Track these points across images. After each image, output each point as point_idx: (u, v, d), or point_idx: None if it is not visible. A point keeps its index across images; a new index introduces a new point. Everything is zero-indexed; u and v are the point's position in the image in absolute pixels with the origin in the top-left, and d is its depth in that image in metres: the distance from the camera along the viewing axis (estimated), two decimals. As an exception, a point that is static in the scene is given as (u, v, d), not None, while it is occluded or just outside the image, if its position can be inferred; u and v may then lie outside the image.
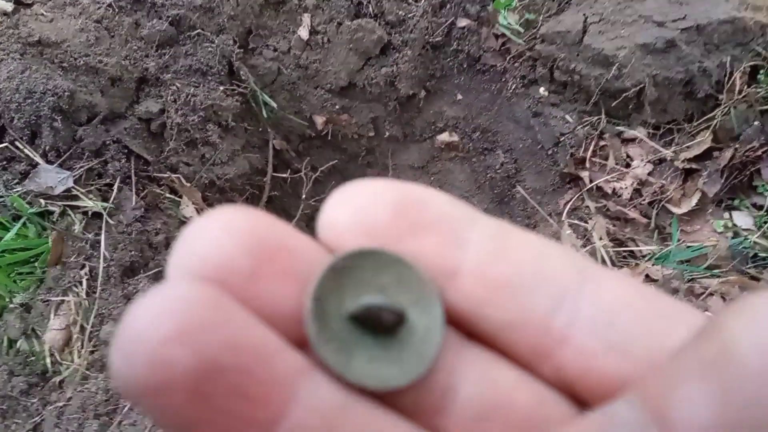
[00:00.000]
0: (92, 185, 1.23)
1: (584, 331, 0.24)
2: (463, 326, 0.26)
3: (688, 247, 1.39)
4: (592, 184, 1.51)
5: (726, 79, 1.37)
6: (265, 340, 0.22)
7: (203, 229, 0.23)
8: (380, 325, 0.25)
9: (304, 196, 1.65)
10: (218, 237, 0.22)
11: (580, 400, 0.24)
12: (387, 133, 1.69)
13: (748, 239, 1.36)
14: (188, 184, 1.34)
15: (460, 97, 1.69)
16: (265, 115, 1.53)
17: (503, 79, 1.65)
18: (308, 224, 1.64)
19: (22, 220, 1.16)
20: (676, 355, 0.19)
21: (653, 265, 1.36)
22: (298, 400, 0.22)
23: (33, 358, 1.06)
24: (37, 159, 1.21)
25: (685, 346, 0.19)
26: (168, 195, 1.31)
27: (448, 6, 1.61)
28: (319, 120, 1.61)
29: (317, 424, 0.22)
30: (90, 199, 1.20)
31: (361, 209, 0.25)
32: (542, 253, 0.25)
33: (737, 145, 1.35)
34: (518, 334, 0.25)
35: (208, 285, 0.21)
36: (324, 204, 0.25)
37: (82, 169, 1.22)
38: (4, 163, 1.20)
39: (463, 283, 0.25)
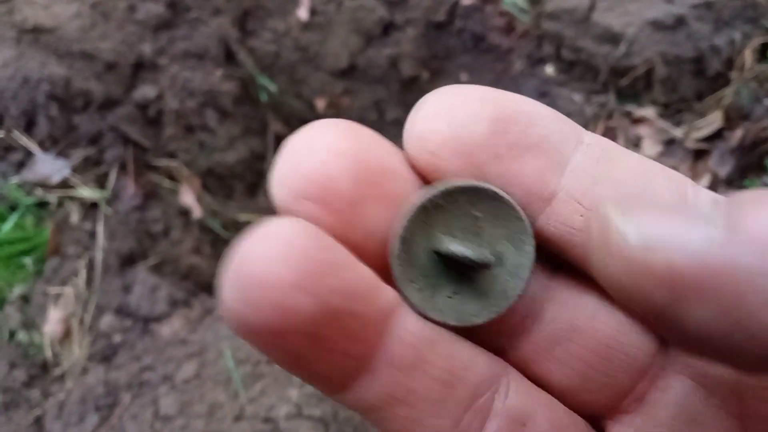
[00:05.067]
0: (89, 174, 1.21)
1: None
2: (554, 252, 0.25)
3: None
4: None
5: (736, 56, 1.33)
6: (365, 278, 0.21)
7: (307, 145, 0.22)
8: (466, 266, 0.24)
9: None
10: (323, 156, 0.21)
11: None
12: (390, 116, 1.66)
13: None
14: (187, 171, 1.32)
15: (464, 77, 1.66)
16: (265, 99, 1.51)
17: (509, 59, 1.61)
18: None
19: (19, 211, 1.15)
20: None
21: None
22: (390, 334, 0.22)
23: (33, 349, 1.06)
24: (34, 148, 1.19)
25: None
26: (166, 183, 1.30)
27: (451, -17, 1.57)
28: (320, 103, 1.58)
29: (408, 357, 0.22)
30: (87, 187, 1.19)
31: (456, 124, 0.23)
32: (647, 175, 0.23)
33: (748, 125, 1.32)
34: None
35: (313, 226, 0.20)
36: (413, 112, 0.24)
37: (78, 158, 1.21)
38: (1, 152, 1.18)
39: (558, 208, 0.23)
